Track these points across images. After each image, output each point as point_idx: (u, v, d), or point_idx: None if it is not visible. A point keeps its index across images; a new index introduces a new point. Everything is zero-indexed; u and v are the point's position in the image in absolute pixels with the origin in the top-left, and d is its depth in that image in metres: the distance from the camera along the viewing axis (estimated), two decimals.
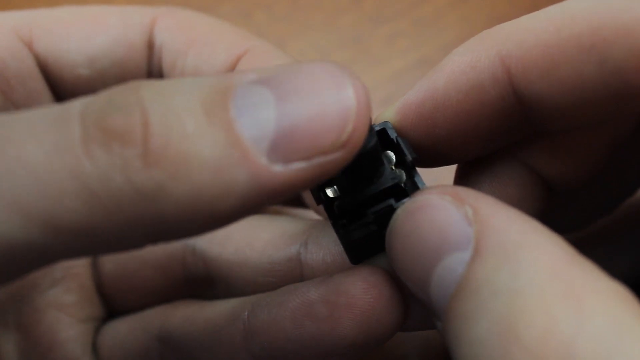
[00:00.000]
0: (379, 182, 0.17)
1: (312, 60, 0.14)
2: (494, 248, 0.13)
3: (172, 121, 0.13)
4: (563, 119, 0.16)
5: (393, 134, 0.17)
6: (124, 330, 0.22)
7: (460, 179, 0.19)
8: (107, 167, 0.12)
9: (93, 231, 0.12)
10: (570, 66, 0.15)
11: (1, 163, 0.12)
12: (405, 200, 0.16)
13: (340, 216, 0.17)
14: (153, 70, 0.22)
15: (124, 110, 0.13)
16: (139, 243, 0.13)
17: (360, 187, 0.17)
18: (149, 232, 0.13)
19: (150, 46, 0.22)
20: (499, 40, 0.16)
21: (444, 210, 0.14)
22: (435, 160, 0.18)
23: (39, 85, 0.21)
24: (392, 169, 0.17)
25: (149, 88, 0.13)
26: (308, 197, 0.22)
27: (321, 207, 0.18)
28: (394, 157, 0.17)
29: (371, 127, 0.15)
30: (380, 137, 0.17)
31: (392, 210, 0.16)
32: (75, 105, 0.13)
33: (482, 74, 0.16)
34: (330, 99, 0.13)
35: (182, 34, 0.21)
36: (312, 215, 0.24)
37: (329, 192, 0.17)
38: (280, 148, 0.13)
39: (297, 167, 0.13)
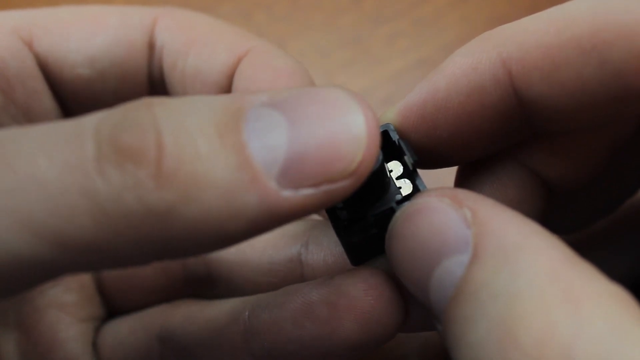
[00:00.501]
0: (385, 199, 0.17)
1: (325, 86, 0.14)
2: (493, 251, 0.13)
3: (185, 142, 0.13)
4: (563, 120, 0.16)
5: (395, 136, 0.17)
6: (125, 329, 0.22)
7: (461, 181, 0.19)
8: (120, 187, 0.12)
9: (102, 249, 0.12)
10: (571, 68, 0.15)
11: (12, 179, 0.12)
12: (405, 203, 0.16)
13: (341, 218, 0.17)
14: (153, 70, 0.22)
15: (137, 129, 0.13)
16: (147, 260, 0.13)
17: (366, 205, 0.17)
18: (157, 250, 0.13)
19: (151, 46, 0.22)
20: (500, 42, 0.16)
21: (442, 213, 0.14)
22: (436, 161, 0.18)
23: (39, 85, 0.21)
24: (398, 178, 0.17)
25: (162, 106, 0.13)
26: None
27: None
28: (401, 169, 0.17)
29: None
30: (382, 139, 0.17)
31: (392, 212, 0.16)
32: (89, 122, 0.13)
33: (483, 76, 0.16)
34: (341, 127, 0.13)
35: (183, 34, 0.21)
36: (312, 215, 0.24)
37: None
38: (290, 174, 0.13)
39: (305, 193, 0.13)
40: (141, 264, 0.14)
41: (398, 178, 0.17)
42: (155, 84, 0.22)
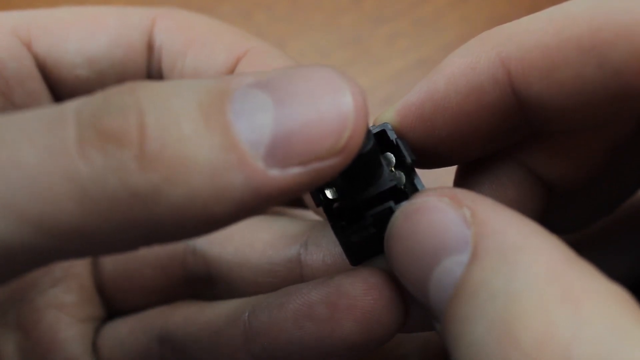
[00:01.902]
0: (378, 184, 0.17)
1: (311, 64, 0.14)
2: (492, 250, 0.13)
3: (168, 123, 0.12)
4: (563, 120, 0.16)
5: (393, 136, 0.17)
6: (124, 330, 0.22)
7: (460, 180, 0.19)
8: (102, 169, 0.12)
9: (87, 233, 0.12)
10: (570, 68, 0.15)
11: None
12: (404, 202, 0.16)
13: (339, 218, 0.17)
14: (152, 71, 0.22)
15: (120, 111, 0.12)
16: (134, 245, 0.13)
17: (359, 190, 0.17)
18: (144, 234, 0.13)
19: (150, 47, 0.22)
20: (499, 42, 0.16)
21: (441, 213, 0.14)
22: (435, 161, 0.18)
23: (38, 86, 0.21)
24: (391, 170, 0.17)
25: (145, 89, 0.13)
26: (307, 198, 0.22)
27: (321, 209, 0.18)
28: (393, 159, 0.17)
29: (368, 131, 0.15)
30: (379, 139, 0.17)
31: (391, 212, 0.16)
32: (70, 106, 0.13)
33: (482, 76, 0.16)
34: (327, 104, 0.13)
35: (182, 35, 0.21)
36: (312, 216, 0.24)
37: (328, 194, 0.17)
38: (277, 153, 0.13)
39: (293, 172, 0.13)
40: (129, 249, 0.13)
41: None
42: None
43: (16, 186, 0.12)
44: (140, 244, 0.13)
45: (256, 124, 0.13)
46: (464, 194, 0.15)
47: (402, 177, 0.17)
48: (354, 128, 0.13)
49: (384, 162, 0.17)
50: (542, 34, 0.15)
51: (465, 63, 0.16)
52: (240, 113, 0.13)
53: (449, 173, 0.20)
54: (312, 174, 0.13)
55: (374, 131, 0.17)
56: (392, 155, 0.17)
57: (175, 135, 0.12)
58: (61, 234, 0.12)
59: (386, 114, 0.18)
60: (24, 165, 0.12)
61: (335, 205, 0.17)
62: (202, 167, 0.12)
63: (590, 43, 0.15)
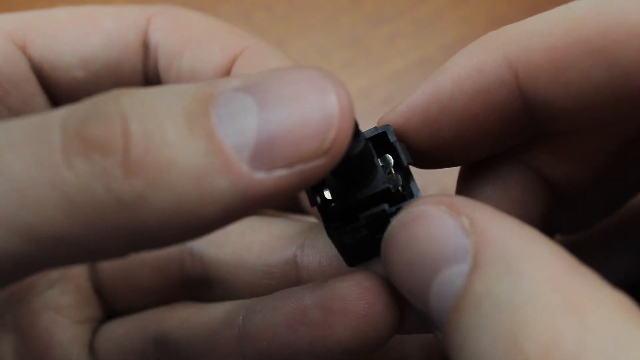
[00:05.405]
0: (372, 186, 0.16)
1: (297, 66, 0.14)
2: (494, 260, 0.13)
3: (152, 130, 0.12)
4: (569, 121, 0.16)
5: (393, 138, 0.17)
6: (121, 332, 0.22)
7: (464, 181, 0.19)
8: (88, 177, 0.12)
9: (75, 241, 0.12)
10: (578, 69, 0.15)
11: None
12: (400, 204, 0.16)
13: (333, 219, 0.17)
14: (149, 71, 0.22)
15: (104, 119, 0.12)
16: (123, 252, 0.13)
17: (353, 191, 0.16)
18: (131, 240, 0.13)
19: (146, 46, 0.22)
20: (505, 43, 0.16)
21: (439, 221, 0.14)
22: (438, 162, 0.18)
23: (34, 89, 0.21)
24: (390, 172, 0.17)
25: (130, 96, 0.13)
26: (305, 200, 0.22)
27: (316, 209, 0.17)
28: (392, 161, 0.17)
29: (359, 133, 0.15)
30: (380, 141, 0.17)
31: (384, 214, 0.16)
32: (56, 115, 0.13)
33: (488, 78, 0.16)
34: (312, 105, 0.13)
35: (177, 34, 0.21)
36: (309, 218, 0.24)
37: (326, 194, 0.17)
38: (262, 155, 0.13)
39: (279, 174, 0.13)
40: (118, 256, 0.13)
41: None
42: (151, 84, 0.22)
43: (2, 195, 0.12)
44: (128, 251, 0.13)
45: (240, 128, 0.13)
46: (461, 201, 0.14)
47: (400, 179, 0.17)
48: (338, 129, 0.13)
49: (379, 164, 0.17)
50: (550, 36, 0.15)
51: (472, 64, 0.16)
52: (225, 117, 0.13)
53: (451, 173, 0.20)
54: (298, 175, 0.13)
55: (375, 133, 0.17)
56: (390, 157, 0.17)
57: (159, 141, 0.12)
58: (48, 242, 0.12)
59: (390, 114, 0.18)
60: (10, 174, 0.12)
61: (331, 205, 0.17)
62: (187, 172, 0.12)
63: (599, 44, 0.14)
